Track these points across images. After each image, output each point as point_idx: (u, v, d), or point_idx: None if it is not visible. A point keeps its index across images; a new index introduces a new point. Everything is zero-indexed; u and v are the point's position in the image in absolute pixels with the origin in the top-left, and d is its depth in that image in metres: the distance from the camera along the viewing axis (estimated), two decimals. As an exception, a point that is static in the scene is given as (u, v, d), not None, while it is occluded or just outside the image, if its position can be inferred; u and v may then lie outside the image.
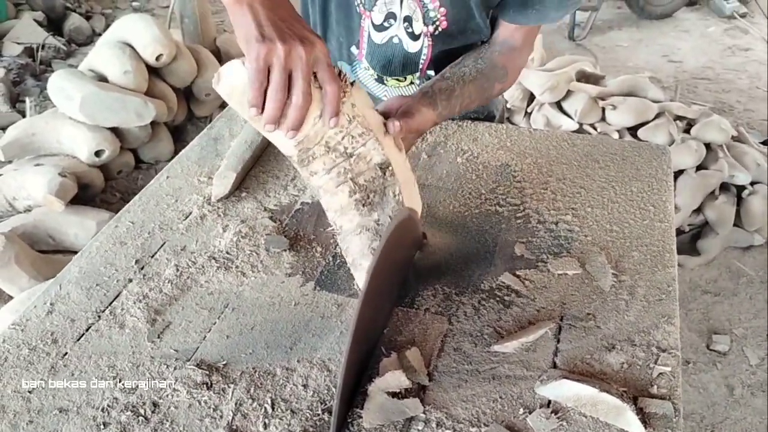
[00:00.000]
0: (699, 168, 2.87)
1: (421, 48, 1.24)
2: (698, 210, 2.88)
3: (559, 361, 0.88)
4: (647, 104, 2.94)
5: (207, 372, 0.86)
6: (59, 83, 2.67)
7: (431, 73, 1.27)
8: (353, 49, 1.30)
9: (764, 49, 4.79)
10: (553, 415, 0.81)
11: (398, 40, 1.24)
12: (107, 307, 0.96)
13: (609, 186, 1.20)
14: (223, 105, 3.27)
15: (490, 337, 0.91)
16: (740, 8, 5.43)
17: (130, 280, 1.00)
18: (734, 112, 4.02)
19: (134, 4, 5.23)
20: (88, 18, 4.83)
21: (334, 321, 0.94)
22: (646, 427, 0.79)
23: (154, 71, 2.93)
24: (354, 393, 0.83)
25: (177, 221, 1.12)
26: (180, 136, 3.22)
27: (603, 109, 3.00)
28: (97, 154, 2.69)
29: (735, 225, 2.89)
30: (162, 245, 1.07)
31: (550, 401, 0.83)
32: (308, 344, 0.90)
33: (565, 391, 0.82)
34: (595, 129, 2.99)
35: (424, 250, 1.06)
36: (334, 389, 0.84)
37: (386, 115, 0.97)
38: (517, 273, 1.01)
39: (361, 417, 0.80)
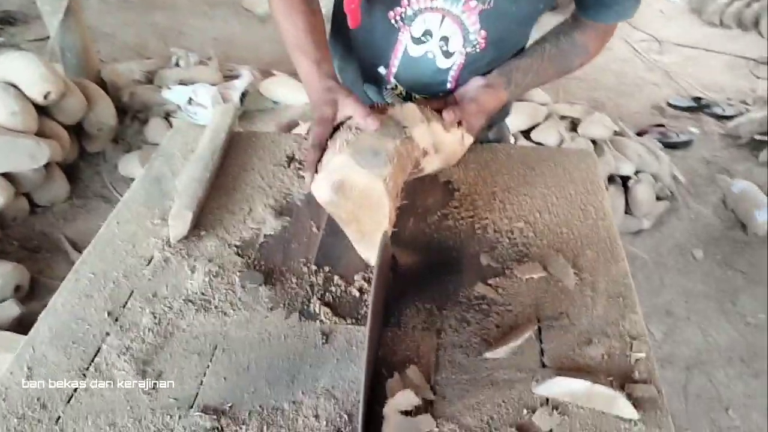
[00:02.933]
0: (589, 163, 3.07)
1: (452, 65, 1.28)
2: (592, 202, 3.08)
3: (547, 359, 0.94)
4: (536, 107, 3.12)
5: (214, 416, 0.85)
6: (-61, 130, 2.49)
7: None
8: (381, 69, 1.33)
9: (624, 48, 5.17)
10: (554, 411, 0.86)
11: (432, 56, 1.28)
12: (90, 364, 0.92)
13: (549, 192, 1.28)
14: (116, 139, 3.17)
15: (480, 346, 0.96)
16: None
17: (108, 334, 0.97)
18: (606, 108, 4.32)
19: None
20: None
21: (328, 349, 0.95)
22: (637, 411, 0.86)
23: (41, 110, 2.78)
24: (367, 416, 0.85)
25: (140, 267, 1.09)
26: (73, 174, 3.08)
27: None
28: (-11, 202, 2.53)
29: (625, 213, 3.12)
30: (131, 294, 1.04)
31: (548, 399, 0.88)
32: (308, 375, 0.91)
33: (560, 387, 0.88)
34: (491, 134, 3.13)
35: (396, 270, 1.09)
36: (345, 416, 0.86)
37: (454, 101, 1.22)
38: (489, 282, 1.07)
39: (380, 439, 0.83)
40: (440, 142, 1.15)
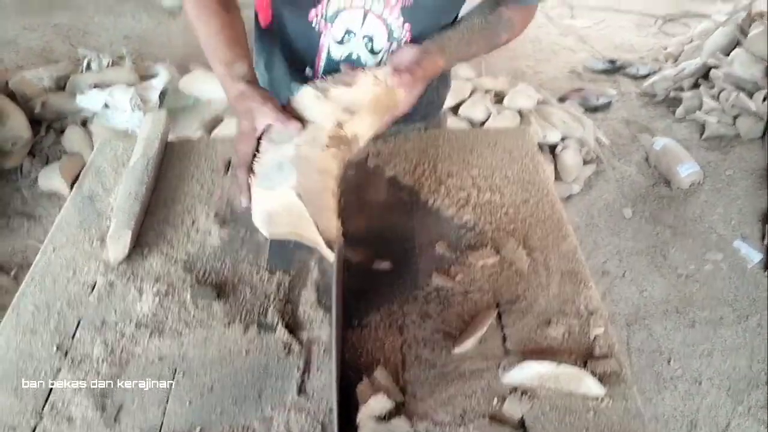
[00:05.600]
0: (517, 134, 3.12)
1: (380, 63, 1.26)
2: (523, 172, 3.14)
3: (510, 345, 0.95)
4: (461, 83, 3.14)
5: (184, 444, 0.83)
6: None
7: None
8: (308, 70, 1.29)
9: (538, 14, 5.25)
10: (523, 396, 0.88)
11: (357, 56, 1.25)
12: (45, 404, 0.88)
13: (491, 173, 1.29)
14: (32, 152, 3.02)
15: (443, 339, 0.96)
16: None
17: (59, 369, 0.93)
18: (526, 76, 4.39)
19: None
20: None
21: (292, 360, 0.94)
22: (603, 386, 0.88)
23: (-51, 128, 2.63)
24: (341, 424, 0.84)
25: (84, 295, 1.04)
26: (-10, 194, 2.92)
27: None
28: None
29: (555, 179, 3.19)
30: (78, 324, 1.00)
31: (516, 386, 0.90)
32: (275, 389, 0.90)
33: (526, 372, 0.90)
34: (419, 113, 3.14)
35: (350, 270, 1.08)
36: (318, 426, 0.85)
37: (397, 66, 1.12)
38: (444, 272, 1.07)
39: (356, 447, 0.82)
40: (351, 101, 1.07)
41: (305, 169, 0.99)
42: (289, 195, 0.95)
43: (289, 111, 1.05)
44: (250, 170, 1.02)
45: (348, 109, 1.06)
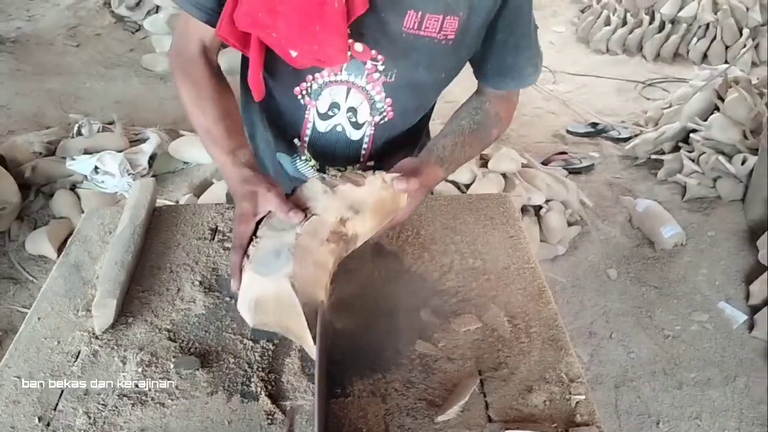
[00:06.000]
0: (502, 196, 3.16)
1: (363, 136, 1.29)
2: (509, 234, 3.17)
3: (492, 413, 0.96)
4: (446, 147, 3.20)
5: None
6: None
7: (371, 164, 1.34)
8: (296, 141, 1.33)
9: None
10: (506, 466, 0.88)
11: (341, 128, 1.29)
12: (24, 479, 0.87)
13: (474, 240, 1.31)
14: (20, 216, 3.03)
15: (427, 407, 0.96)
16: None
17: (40, 442, 0.92)
18: (511, 139, 4.47)
19: None
20: None
21: (275, 429, 0.94)
22: (584, 454, 0.89)
23: (-64, 194, 2.64)
24: (323, 497, 0.84)
25: (68, 364, 1.05)
26: (-24, 258, 2.92)
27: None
28: None
29: (540, 241, 3.23)
30: (61, 394, 0.99)
31: (499, 454, 0.90)
32: (257, 460, 0.89)
33: (509, 441, 0.90)
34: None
35: (334, 337, 1.09)
36: (301, 499, 0.84)
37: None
38: (428, 338, 1.08)
39: None
40: (357, 200, 1.09)
41: (303, 259, 1.00)
42: (284, 283, 0.96)
43: (293, 200, 1.07)
44: (245, 253, 1.03)
45: (353, 208, 1.08)
